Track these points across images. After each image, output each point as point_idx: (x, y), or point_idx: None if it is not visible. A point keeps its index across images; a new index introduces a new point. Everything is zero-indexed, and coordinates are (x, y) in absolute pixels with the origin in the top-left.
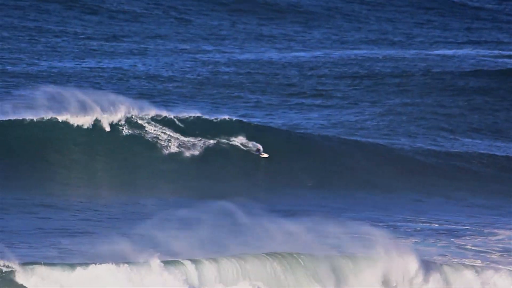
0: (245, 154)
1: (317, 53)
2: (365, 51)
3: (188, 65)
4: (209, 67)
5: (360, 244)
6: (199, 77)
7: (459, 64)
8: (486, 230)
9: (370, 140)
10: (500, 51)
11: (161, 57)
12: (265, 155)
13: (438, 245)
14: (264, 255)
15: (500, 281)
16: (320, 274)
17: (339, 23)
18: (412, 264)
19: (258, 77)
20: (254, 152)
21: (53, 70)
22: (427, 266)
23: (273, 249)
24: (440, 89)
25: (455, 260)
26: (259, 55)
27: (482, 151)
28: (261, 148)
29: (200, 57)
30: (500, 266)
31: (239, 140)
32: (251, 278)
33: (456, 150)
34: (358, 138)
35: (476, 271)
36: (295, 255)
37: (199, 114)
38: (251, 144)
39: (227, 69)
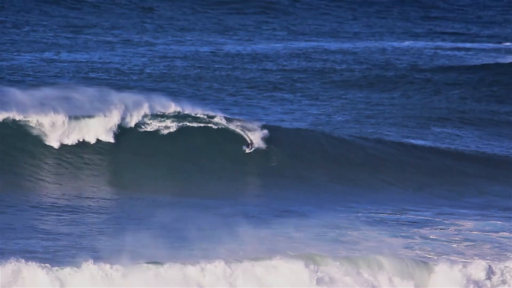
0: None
1: (278, 45)
2: (323, 43)
3: (147, 58)
4: (167, 59)
5: None
6: (156, 71)
7: (418, 56)
8: (447, 221)
9: (327, 131)
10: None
11: (119, 49)
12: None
13: (402, 235)
14: None
15: (466, 272)
16: None
17: (301, 14)
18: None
19: (218, 70)
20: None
21: (8, 63)
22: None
23: None
24: (394, 82)
25: (421, 251)
26: (219, 47)
27: (441, 144)
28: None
29: (160, 49)
30: (464, 258)
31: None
32: None
33: (416, 142)
34: (321, 130)
35: (440, 263)
36: None
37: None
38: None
39: (185, 62)
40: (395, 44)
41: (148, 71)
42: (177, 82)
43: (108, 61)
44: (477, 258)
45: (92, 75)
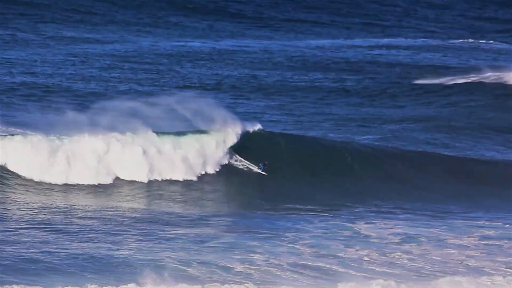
0: None
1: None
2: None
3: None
4: (82, 58)
5: None
6: (74, 72)
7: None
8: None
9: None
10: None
11: (33, 48)
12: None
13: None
14: None
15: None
16: None
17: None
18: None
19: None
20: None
21: None
22: None
23: None
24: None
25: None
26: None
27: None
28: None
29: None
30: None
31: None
32: None
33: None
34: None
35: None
36: None
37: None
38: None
39: (105, 61)
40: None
41: None
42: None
43: (18, 58)
44: None
45: None
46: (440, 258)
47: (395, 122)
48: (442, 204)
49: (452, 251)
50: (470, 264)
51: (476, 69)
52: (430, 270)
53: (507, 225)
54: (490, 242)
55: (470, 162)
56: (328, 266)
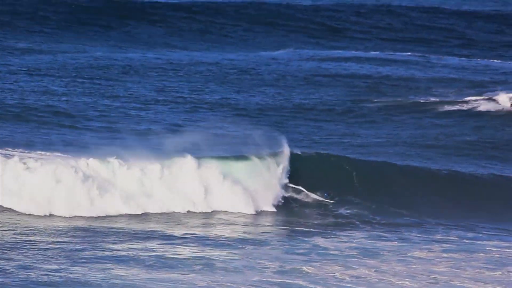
0: None
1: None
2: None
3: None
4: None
5: None
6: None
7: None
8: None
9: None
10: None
11: None
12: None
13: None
14: None
15: None
16: None
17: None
18: None
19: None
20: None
21: None
22: None
23: None
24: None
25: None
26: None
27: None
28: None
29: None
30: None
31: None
32: None
33: None
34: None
35: None
36: None
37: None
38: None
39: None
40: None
41: None
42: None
43: None
44: None
45: None
46: (406, 272)
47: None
48: (396, 216)
49: (416, 266)
50: (439, 277)
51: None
52: (401, 286)
53: (465, 240)
54: (451, 255)
55: (434, 173)
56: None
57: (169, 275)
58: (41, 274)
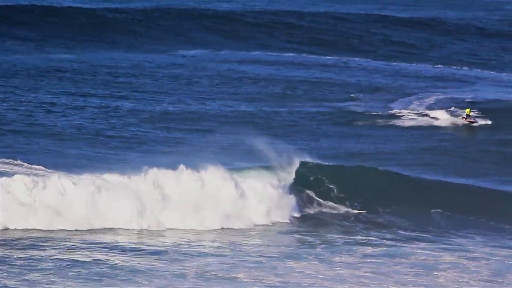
0: None
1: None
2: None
3: None
4: None
5: None
6: None
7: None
8: None
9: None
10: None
11: None
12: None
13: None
14: None
15: None
16: None
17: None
18: None
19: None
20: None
21: None
22: None
23: None
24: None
25: None
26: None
27: None
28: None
29: None
30: None
31: None
32: None
33: None
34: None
35: None
36: None
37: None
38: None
39: None
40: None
41: None
42: None
43: None
44: None
45: None
46: (332, 277)
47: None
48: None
49: (343, 271)
50: (366, 282)
51: None
52: None
53: (385, 240)
54: (373, 259)
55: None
56: None
57: None
58: None
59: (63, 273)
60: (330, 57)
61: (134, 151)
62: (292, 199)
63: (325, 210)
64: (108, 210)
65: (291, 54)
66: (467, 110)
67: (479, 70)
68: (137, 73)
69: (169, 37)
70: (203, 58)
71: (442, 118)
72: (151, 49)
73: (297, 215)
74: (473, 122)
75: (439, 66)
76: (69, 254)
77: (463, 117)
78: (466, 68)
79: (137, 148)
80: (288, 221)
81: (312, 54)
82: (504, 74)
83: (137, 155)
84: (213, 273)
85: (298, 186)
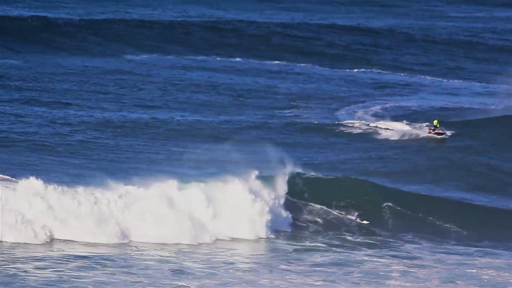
0: None
1: None
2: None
3: None
4: None
5: None
6: None
7: None
8: None
9: None
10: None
11: None
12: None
13: None
14: None
15: None
16: None
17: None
18: None
19: None
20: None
21: None
22: None
23: None
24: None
25: None
26: None
27: None
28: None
29: None
30: None
31: None
32: None
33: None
34: None
35: None
36: None
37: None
38: None
39: None
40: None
41: None
42: None
43: None
44: None
45: None
46: (286, 286)
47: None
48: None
49: (290, 276)
50: None
51: None
52: None
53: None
54: (319, 268)
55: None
56: None
57: None
58: None
59: None
60: (277, 62)
61: (80, 159)
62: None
63: None
64: None
65: (238, 60)
66: (435, 122)
67: (423, 76)
68: (83, 79)
69: (116, 43)
70: (150, 63)
71: (397, 129)
72: (97, 53)
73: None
74: (441, 134)
75: (383, 72)
76: None
77: (431, 129)
78: (411, 75)
79: (82, 156)
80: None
81: (260, 59)
82: (448, 80)
83: (83, 161)
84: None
85: None
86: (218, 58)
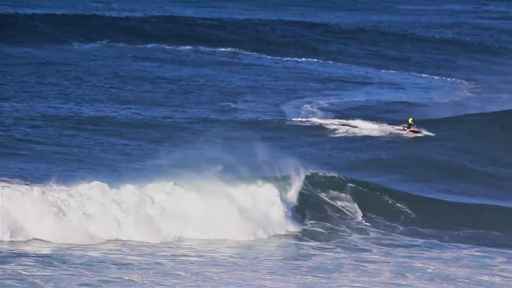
0: None
1: None
2: None
3: None
4: None
5: None
6: None
7: None
8: None
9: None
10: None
11: None
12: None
13: None
14: None
15: None
16: None
17: None
18: None
19: None
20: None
21: None
22: None
23: None
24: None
25: None
26: None
27: None
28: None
29: None
30: None
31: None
32: None
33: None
34: None
35: None
36: None
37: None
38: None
39: None
40: None
41: None
42: None
43: None
44: None
45: None
46: (234, 280)
47: None
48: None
49: (257, 273)
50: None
51: None
52: None
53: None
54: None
55: None
56: None
57: None
58: None
59: None
60: (223, 49)
61: (21, 155)
62: None
63: None
64: None
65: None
66: (410, 120)
67: (372, 69)
68: (29, 70)
69: (65, 33)
70: (97, 53)
71: (364, 127)
72: (43, 41)
73: None
74: (417, 132)
75: (329, 62)
76: None
77: (405, 127)
78: (359, 68)
79: (23, 152)
80: None
81: (207, 47)
82: (396, 72)
83: (23, 159)
84: None
85: None
86: (166, 46)
